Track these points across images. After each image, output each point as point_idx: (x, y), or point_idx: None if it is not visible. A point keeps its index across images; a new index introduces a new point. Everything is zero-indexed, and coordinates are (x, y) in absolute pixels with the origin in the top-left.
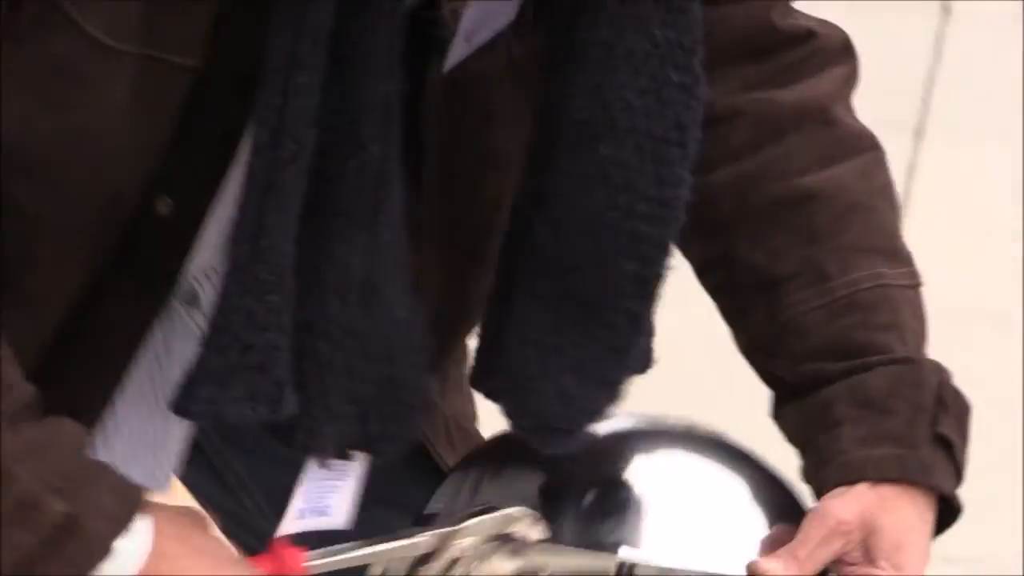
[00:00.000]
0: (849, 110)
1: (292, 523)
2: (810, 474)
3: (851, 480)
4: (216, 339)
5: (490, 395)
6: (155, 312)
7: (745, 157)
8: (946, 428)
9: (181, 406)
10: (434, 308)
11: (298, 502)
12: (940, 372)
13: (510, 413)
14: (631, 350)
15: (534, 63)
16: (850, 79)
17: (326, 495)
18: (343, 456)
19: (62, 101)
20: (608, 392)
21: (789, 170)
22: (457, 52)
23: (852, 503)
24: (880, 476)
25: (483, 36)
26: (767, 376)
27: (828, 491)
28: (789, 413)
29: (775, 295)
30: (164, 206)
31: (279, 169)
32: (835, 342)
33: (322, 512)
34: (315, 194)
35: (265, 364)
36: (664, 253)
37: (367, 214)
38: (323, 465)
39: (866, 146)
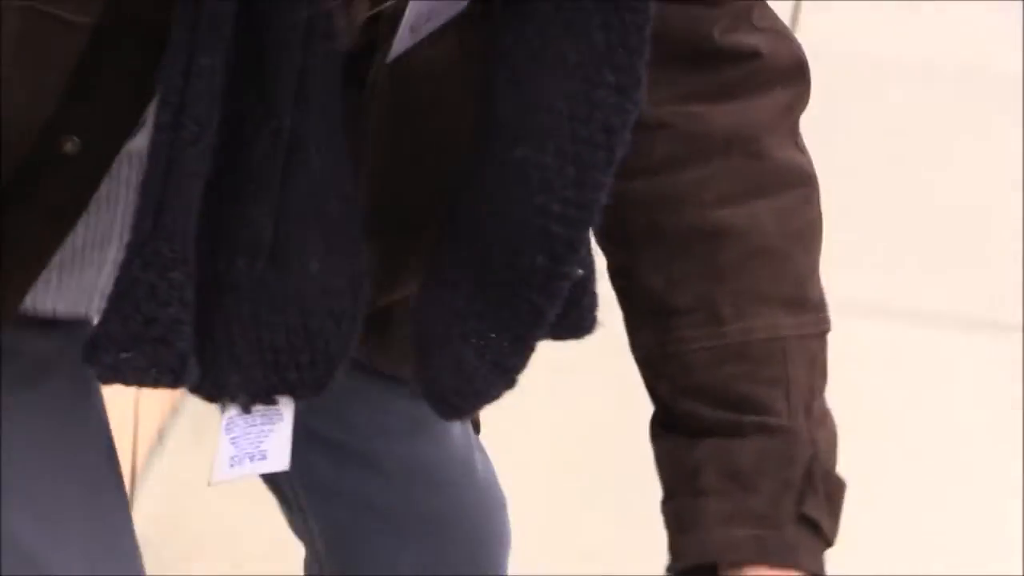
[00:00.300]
0: (785, 140)
1: (225, 471)
2: (669, 522)
3: (710, 559)
4: (119, 306)
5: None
6: (60, 239)
7: (664, 173)
8: (812, 509)
9: (87, 361)
10: (373, 281)
11: (227, 450)
12: (814, 445)
13: (413, 377)
14: (532, 341)
15: (483, 54)
16: (794, 104)
17: (261, 440)
18: (265, 402)
19: None
20: (504, 378)
21: (706, 199)
22: (402, 43)
23: None
24: (739, 558)
25: (429, 27)
26: (649, 388)
27: (687, 562)
28: (662, 441)
29: (667, 324)
30: (71, 145)
31: (180, 149)
32: (716, 388)
33: (261, 456)
34: (226, 157)
35: (167, 337)
36: (574, 252)
37: (278, 178)
38: (247, 412)
39: (793, 182)
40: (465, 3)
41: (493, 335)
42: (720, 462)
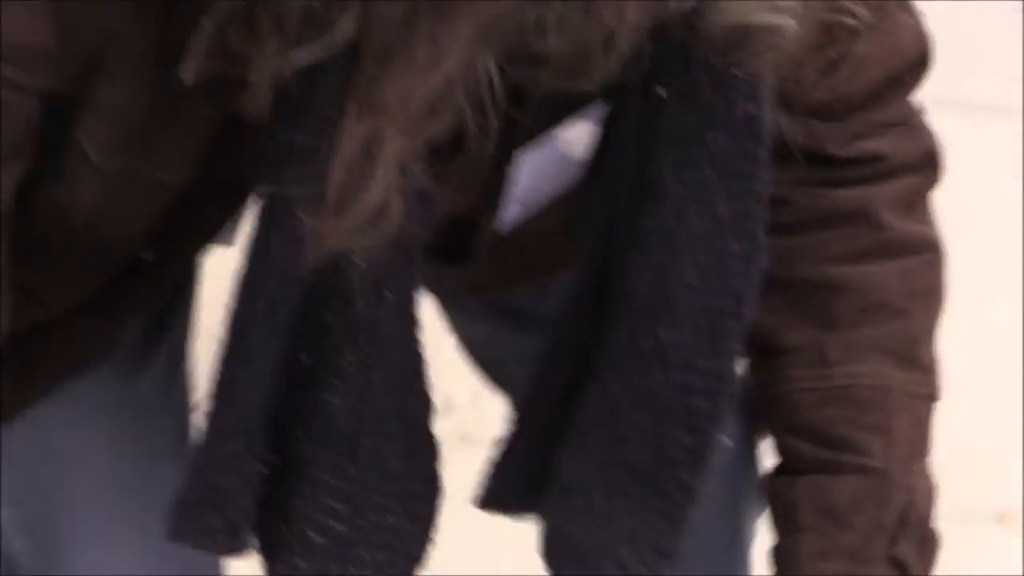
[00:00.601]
0: (906, 215)
1: None
2: (772, 562)
3: None
4: (191, 470)
5: (551, 568)
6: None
7: (784, 236)
8: (903, 551)
9: (166, 520)
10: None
11: None
12: (911, 492)
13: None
14: (685, 518)
15: (593, 225)
16: (920, 187)
17: None
18: None
19: (57, 185)
20: (665, 560)
21: (822, 256)
22: (511, 213)
23: None
24: None
25: (540, 201)
26: (762, 427)
27: None
28: (769, 482)
29: (775, 364)
30: (148, 254)
31: (251, 325)
32: (817, 428)
33: None
34: (306, 344)
35: (222, 506)
36: (717, 424)
37: (357, 372)
38: None
39: (916, 249)
40: (578, 178)
41: (646, 524)
42: (816, 499)
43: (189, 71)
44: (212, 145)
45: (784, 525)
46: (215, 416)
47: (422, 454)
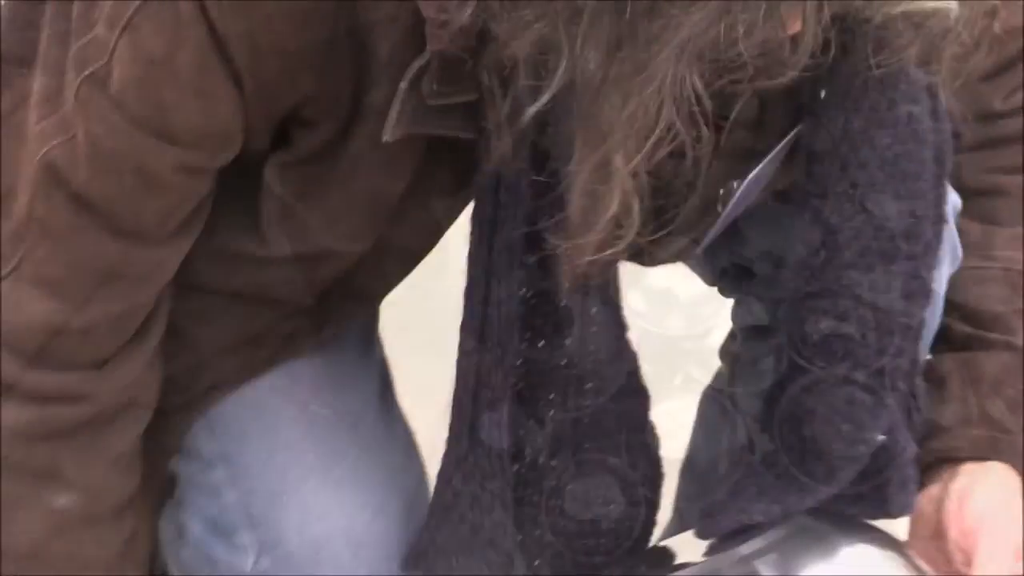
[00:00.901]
0: None
1: None
2: (923, 433)
3: (947, 457)
4: (446, 517)
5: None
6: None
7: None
8: None
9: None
10: None
11: None
12: None
13: (681, 515)
14: (819, 495)
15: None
16: None
17: None
18: None
19: (245, 262)
20: (781, 517)
21: (988, 168)
22: (716, 230)
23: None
24: (974, 456)
25: (735, 212)
26: None
27: (928, 462)
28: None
29: None
30: (310, 300)
31: (486, 372)
32: (970, 307)
33: None
34: (528, 374)
35: (495, 541)
36: (877, 420)
37: (573, 394)
38: None
39: None
40: (764, 185)
41: (785, 492)
42: (965, 372)
43: (391, 130)
44: (389, 213)
45: (935, 397)
46: (468, 461)
47: (642, 445)
